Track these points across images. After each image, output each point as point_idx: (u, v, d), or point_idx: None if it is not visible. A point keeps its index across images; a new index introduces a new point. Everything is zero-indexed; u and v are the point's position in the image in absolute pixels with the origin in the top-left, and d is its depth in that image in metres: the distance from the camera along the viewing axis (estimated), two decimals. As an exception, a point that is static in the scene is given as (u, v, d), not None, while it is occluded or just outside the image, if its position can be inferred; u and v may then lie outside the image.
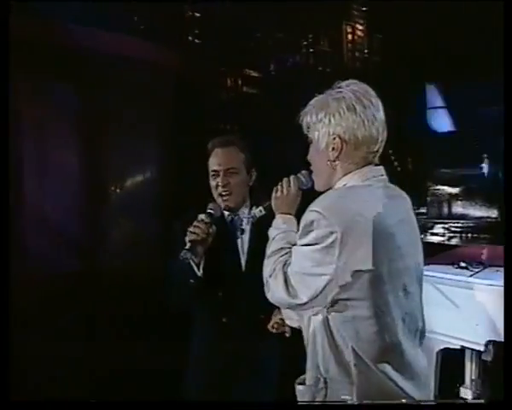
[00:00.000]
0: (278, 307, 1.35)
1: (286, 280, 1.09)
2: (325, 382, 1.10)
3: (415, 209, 5.78)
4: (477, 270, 2.56)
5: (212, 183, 1.56)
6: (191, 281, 1.41)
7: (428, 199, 8.72)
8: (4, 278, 1.61)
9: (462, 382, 3.09)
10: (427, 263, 2.88)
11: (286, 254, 1.15)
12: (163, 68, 6.45)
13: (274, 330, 1.45)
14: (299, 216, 1.26)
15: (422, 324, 1.20)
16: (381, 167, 1.21)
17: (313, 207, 1.08)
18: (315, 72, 8.76)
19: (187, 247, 1.36)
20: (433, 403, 1.80)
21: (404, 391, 1.08)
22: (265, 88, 8.66)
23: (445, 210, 8.34)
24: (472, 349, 2.63)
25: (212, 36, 7.52)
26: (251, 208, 1.52)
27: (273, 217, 1.30)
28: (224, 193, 1.50)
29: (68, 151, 6.19)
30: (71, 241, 6.22)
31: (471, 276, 2.47)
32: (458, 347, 2.52)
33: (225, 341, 1.50)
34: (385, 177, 1.23)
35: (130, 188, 6.72)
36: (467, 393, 3.05)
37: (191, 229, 1.41)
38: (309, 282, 1.06)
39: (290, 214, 1.20)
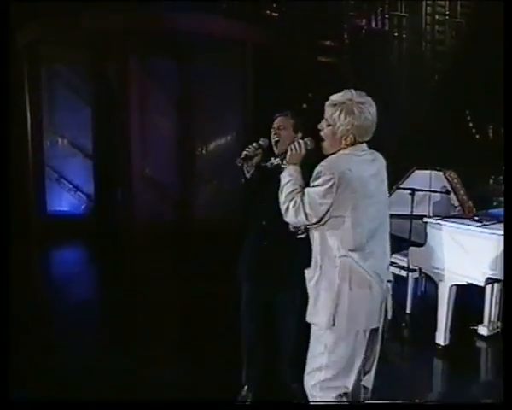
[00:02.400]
0: None
1: (304, 208, 1.70)
2: (320, 267, 1.76)
3: (493, 178, 6.00)
4: (488, 223, 3.01)
5: (271, 135, 2.32)
6: (243, 180, 2.24)
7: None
8: (4, 281, 1.88)
9: (481, 321, 3.60)
10: (448, 216, 3.38)
11: (300, 192, 1.73)
12: (244, 42, 7.13)
13: (293, 229, 2.14)
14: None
15: (385, 235, 1.83)
16: (365, 144, 1.81)
17: (322, 163, 1.72)
18: (391, 37, 8.80)
19: (241, 157, 2.20)
20: (433, 403, 2.20)
21: (364, 269, 1.70)
22: (341, 56, 8.93)
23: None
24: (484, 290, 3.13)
25: (288, 8, 7.96)
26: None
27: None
28: (274, 139, 2.27)
29: (166, 119, 7.33)
30: (168, 194, 7.46)
31: (479, 226, 2.93)
32: (465, 283, 3.04)
33: (264, 237, 2.30)
34: (366, 149, 1.82)
35: (214, 148, 7.72)
36: (484, 330, 3.54)
37: (246, 148, 2.23)
38: (317, 208, 1.68)
39: (297, 165, 1.81)
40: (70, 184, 7.89)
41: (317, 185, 1.68)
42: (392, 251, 3.85)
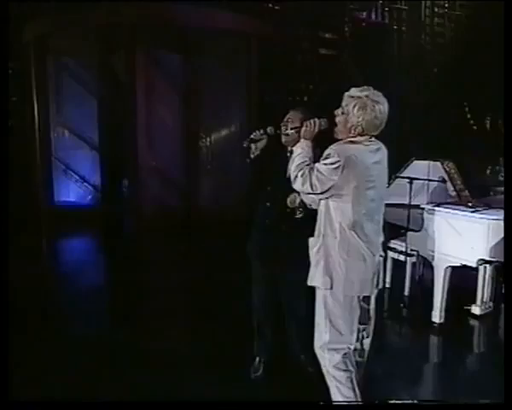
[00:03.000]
0: (297, 193, 2.19)
1: (311, 179, 1.91)
2: (323, 236, 1.98)
3: (490, 168, 6.34)
4: (480, 209, 3.23)
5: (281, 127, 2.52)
6: (247, 160, 2.45)
7: (501, 159, 8.71)
8: (4, 283, 1.88)
9: (474, 301, 3.85)
10: (445, 203, 3.59)
11: (309, 164, 1.95)
12: (249, 36, 7.28)
13: (290, 205, 2.33)
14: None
15: (380, 217, 2.04)
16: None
17: (332, 146, 1.94)
18: (391, 30, 8.95)
19: (248, 139, 2.40)
20: (433, 403, 2.22)
21: (360, 244, 1.92)
22: (342, 49, 9.09)
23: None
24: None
25: (289, 1, 8.09)
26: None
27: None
28: (283, 129, 2.47)
29: (171, 111, 7.50)
30: (173, 184, 7.65)
31: (472, 212, 3.16)
32: (459, 264, 3.27)
33: (267, 217, 2.53)
34: (373, 139, 1.96)
35: (217, 139, 7.90)
36: (476, 310, 3.79)
37: (253, 133, 2.41)
38: (323, 183, 1.90)
39: (309, 141, 2.02)
40: (77, 175, 8.07)
41: (326, 164, 1.91)
42: (392, 237, 4.12)
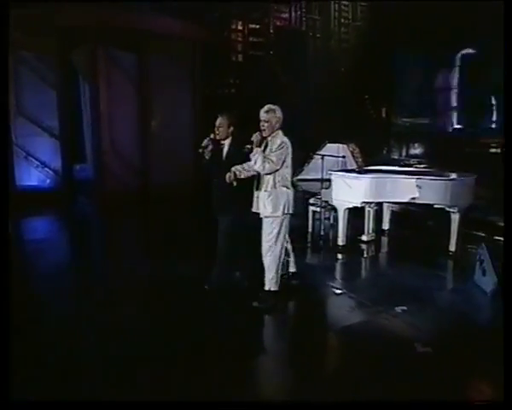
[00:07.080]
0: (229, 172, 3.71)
1: (274, 163, 3.55)
2: (271, 187, 3.63)
3: (386, 149, 9.00)
4: (362, 172, 5.25)
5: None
6: (204, 161, 3.92)
7: (392, 142, 11.23)
8: (5, 281, 1.90)
9: (363, 232, 5.93)
10: (343, 170, 5.56)
11: (266, 157, 3.55)
12: (194, 38, 8.66)
13: (228, 180, 3.69)
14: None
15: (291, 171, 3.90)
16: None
17: (277, 140, 3.63)
18: (307, 37, 10.89)
19: (201, 147, 3.88)
20: (433, 402, 2.39)
21: (288, 184, 3.67)
22: (267, 50, 10.79)
23: (403, 150, 10.95)
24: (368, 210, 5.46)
25: (225, 10, 9.56)
26: (231, 143, 3.87)
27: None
28: (216, 132, 3.89)
29: (128, 100, 8.57)
30: (131, 164, 8.77)
31: (357, 174, 5.15)
32: (351, 206, 5.26)
33: (216, 187, 3.95)
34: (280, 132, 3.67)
35: (167, 126, 9.13)
36: (364, 237, 5.88)
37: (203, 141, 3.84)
38: (279, 160, 3.56)
39: (259, 147, 3.58)
40: (37, 160, 8.79)
41: (279, 149, 3.61)
42: (312, 197, 5.99)
